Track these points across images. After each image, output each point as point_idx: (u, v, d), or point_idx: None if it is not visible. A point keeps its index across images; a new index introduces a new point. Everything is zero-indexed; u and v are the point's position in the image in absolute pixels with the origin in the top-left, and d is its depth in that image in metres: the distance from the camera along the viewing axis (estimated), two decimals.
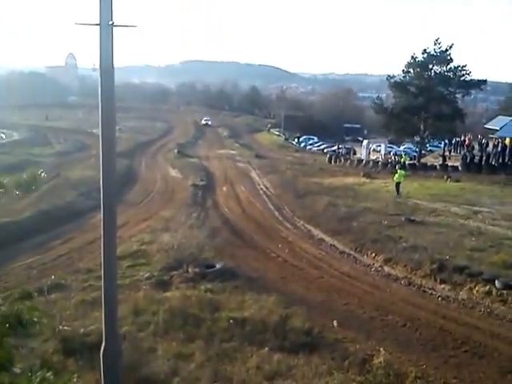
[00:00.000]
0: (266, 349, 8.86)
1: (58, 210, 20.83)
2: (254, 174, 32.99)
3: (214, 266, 13.39)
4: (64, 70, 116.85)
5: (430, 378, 8.24)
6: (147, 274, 13.04)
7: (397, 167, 28.12)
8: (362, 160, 38.87)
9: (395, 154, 41.32)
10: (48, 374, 7.69)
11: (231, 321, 9.86)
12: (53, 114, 69.19)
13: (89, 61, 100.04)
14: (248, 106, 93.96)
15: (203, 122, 73.57)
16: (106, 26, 5.26)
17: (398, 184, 23.54)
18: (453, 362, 9.03)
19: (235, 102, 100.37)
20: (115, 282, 6.24)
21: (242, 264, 14.61)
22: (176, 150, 43.76)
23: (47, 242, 17.37)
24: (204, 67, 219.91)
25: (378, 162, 37.03)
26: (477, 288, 11.94)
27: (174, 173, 33.40)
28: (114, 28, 5.30)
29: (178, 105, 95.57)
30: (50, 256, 15.80)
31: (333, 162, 40.77)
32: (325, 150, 51.83)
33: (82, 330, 9.13)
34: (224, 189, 27.93)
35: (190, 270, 13.10)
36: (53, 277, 12.67)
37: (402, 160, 35.28)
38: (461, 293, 12.05)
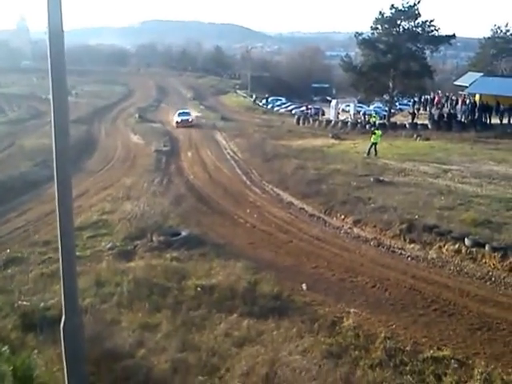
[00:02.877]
0: (235, 315, 8.63)
1: (12, 180, 19.90)
2: (220, 138, 32.23)
3: (180, 234, 12.95)
4: (15, 33, 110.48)
5: (400, 338, 8.19)
6: (109, 245, 12.52)
7: (373, 128, 27.83)
8: (331, 121, 38.45)
9: (365, 114, 41.11)
10: (4, 349, 7.25)
11: (198, 289, 9.57)
12: (4, 80, 65.51)
13: (42, 24, 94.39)
14: (212, 67, 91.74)
15: (177, 119, 38.02)
16: None
17: (375, 144, 23.24)
18: (422, 321, 9.02)
19: (199, 63, 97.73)
20: (74, 253, 5.91)
21: (209, 231, 14.22)
22: (137, 115, 42.37)
23: (2, 215, 16.56)
24: (165, 27, 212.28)
25: (347, 123, 36.63)
26: (446, 247, 11.92)
27: (135, 138, 32.35)
28: None
29: (137, 67, 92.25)
30: (6, 229, 15.05)
31: (301, 123, 40.29)
32: (293, 112, 51.10)
33: (41, 305, 8.67)
34: (189, 154, 27.22)
35: (154, 238, 12.63)
36: (8, 250, 12.03)
37: (372, 120, 35.11)
38: (430, 252, 12.03)
